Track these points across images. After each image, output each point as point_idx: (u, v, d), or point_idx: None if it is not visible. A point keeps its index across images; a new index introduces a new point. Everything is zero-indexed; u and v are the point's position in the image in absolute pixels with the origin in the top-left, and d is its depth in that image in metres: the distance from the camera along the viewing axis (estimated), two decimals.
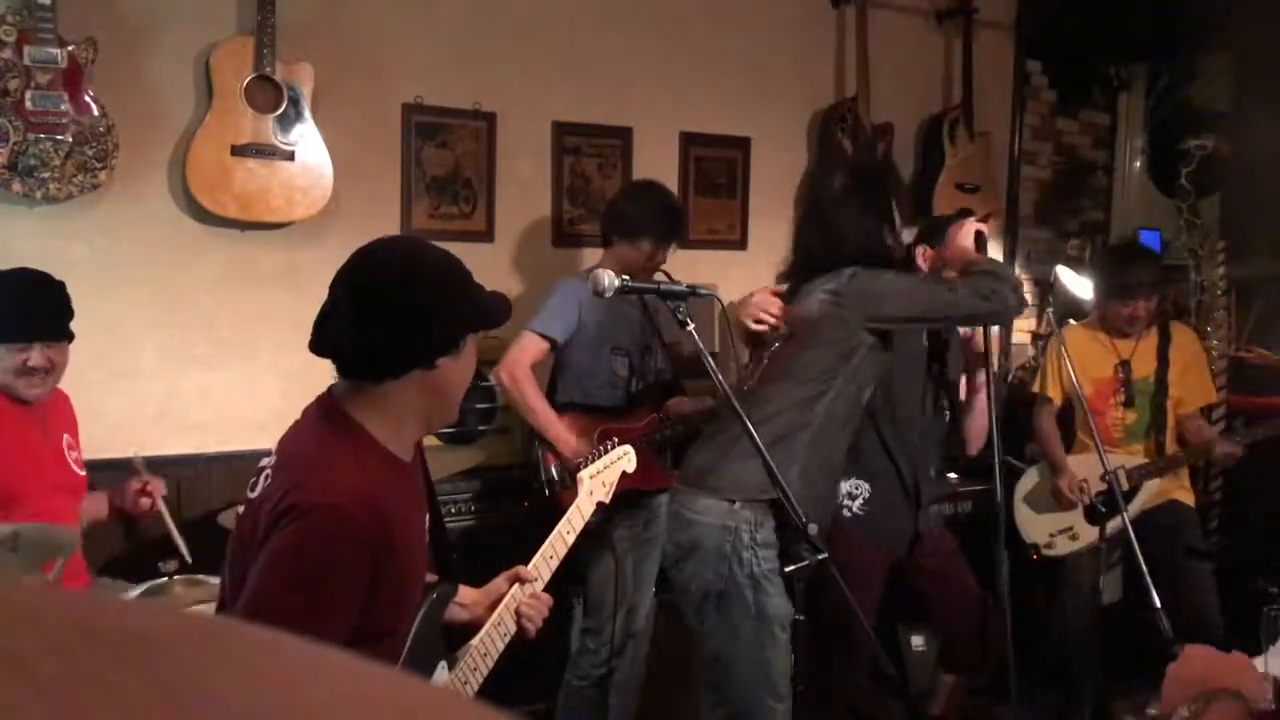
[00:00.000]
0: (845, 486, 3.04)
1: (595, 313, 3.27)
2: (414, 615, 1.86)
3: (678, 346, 3.47)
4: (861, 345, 2.63)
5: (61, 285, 2.67)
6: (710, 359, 2.23)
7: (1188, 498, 3.87)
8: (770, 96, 4.44)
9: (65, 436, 2.79)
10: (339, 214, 3.48)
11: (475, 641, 1.95)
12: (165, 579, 2.66)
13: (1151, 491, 3.72)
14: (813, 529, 2.08)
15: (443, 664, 1.92)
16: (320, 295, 1.78)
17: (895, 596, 3.22)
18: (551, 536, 2.10)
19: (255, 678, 0.27)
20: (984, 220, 2.88)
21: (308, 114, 3.36)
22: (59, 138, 3.01)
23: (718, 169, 4.38)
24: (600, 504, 2.23)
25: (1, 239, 3.04)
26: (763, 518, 2.58)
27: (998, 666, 3.24)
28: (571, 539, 2.13)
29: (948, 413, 3.16)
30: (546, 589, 2.07)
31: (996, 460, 2.89)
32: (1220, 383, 4.50)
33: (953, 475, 4.18)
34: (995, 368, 3.08)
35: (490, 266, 3.88)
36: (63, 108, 3.01)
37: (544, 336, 3.25)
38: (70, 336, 2.69)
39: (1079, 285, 3.42)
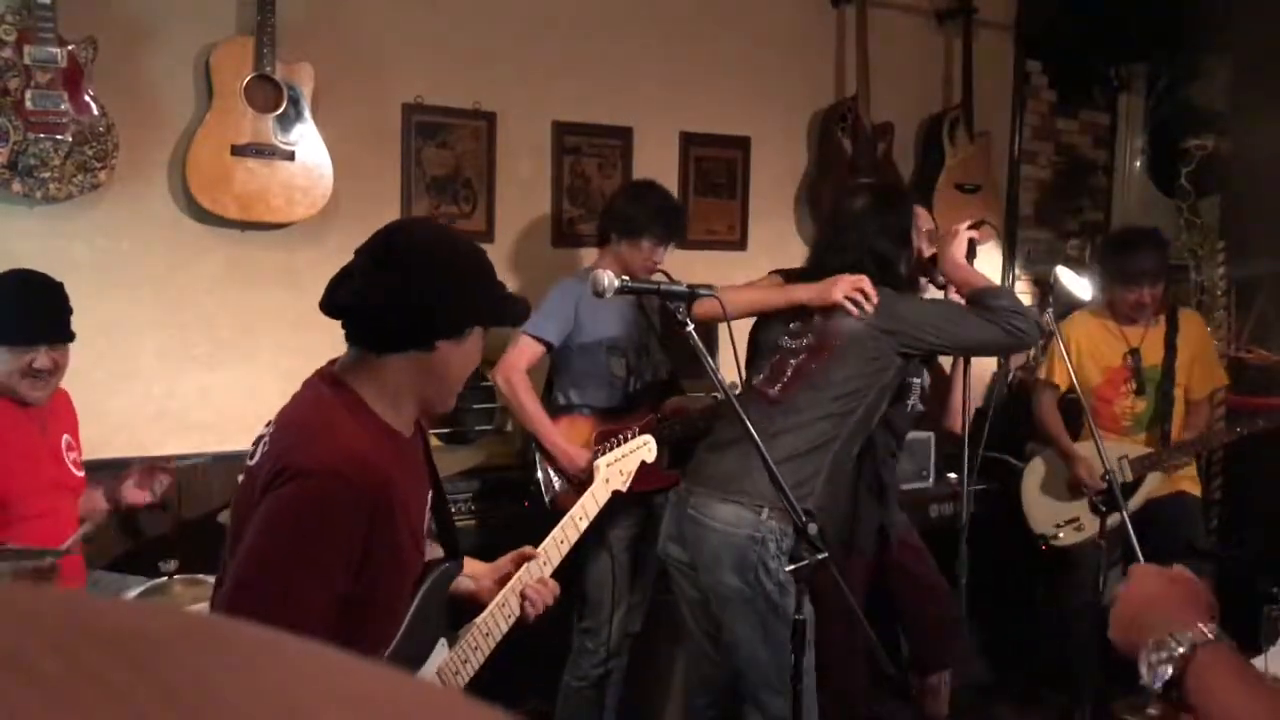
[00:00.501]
0: None
1: (591, 313, 3.27)
2: (412, 588, 1.87)
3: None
4: (892, 366, 2.69)
5: (61, 286, 2.67)
6: (710, 360, 2.23)
7: (1195, 489, 3.87)
8: (770, 96, 4.44)
9: (65, 437, 2.79)
10: (339, 214, 3.48)
11: (478, 621, 1.95)
12: (165, 579, 2.66)
13: (1157, 481, 3.72)
14: (812, 529, 2.08)
15: (443, 642, 1.92)
16: (320, 294, 1.79)
17: (891, 598, 3.23)
18: (564, 521, 2.10)
19: (256, 678, 0.27)
20: (975, 227, 2.89)
21: (308, 114, 3.36)
22: (59, 137, 3.01)
23: (718, 169, 4.38)
24: (616, 492, 2.22)
25: (1, 239, 3.04)
26: (786, 526, 2.56)
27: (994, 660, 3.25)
28: (585, 525, 2.12)
29: (912, 404, 3.15)
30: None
31: (965, 452, 2.90)
32: (1225, 381, 4.50)
33: (952, 475, 4.18)
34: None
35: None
36: (63, 107, 3.01)
37: (539, 339, 3.25)
38: (72, 337, 2.69)
39: (1079, 285, 3.42)
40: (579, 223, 4.02)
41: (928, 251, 2.93)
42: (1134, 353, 3.77)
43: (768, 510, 2.58)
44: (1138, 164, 5.58)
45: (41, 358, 2.59)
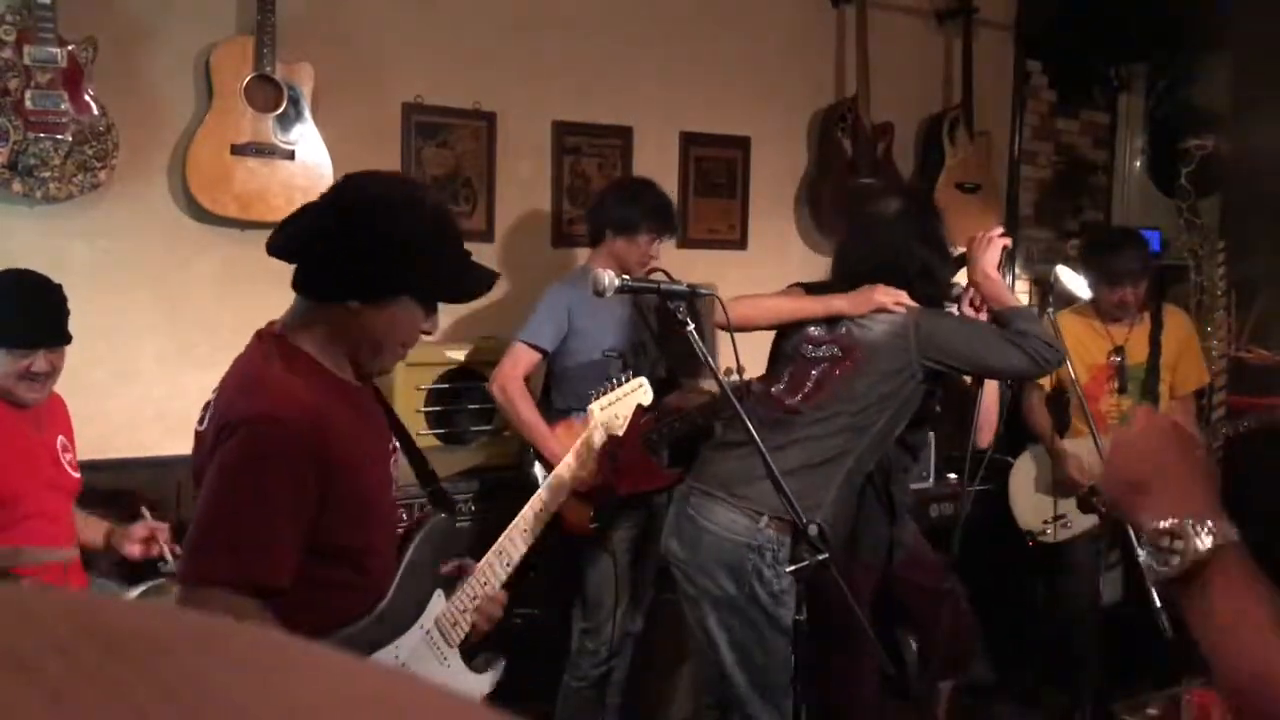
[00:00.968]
0: None
1: (585, 316, 3.27)
2: (391, 537, 1.87)
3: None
4: (914, 380, 2.65)
5: (59, 288, 2.66)
6: (710, 359, 2.23)
7: None
8: (770, 96, 4.44)
9: (60, 438, 2.78)
10: None
11: (476, 568, 1.98)
12: (165, 579, 2.66)
13: None
14: (813, 530, 2.08)
15: (439, 592, 1.93)
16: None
17: (893, 602, 3.22)
18: (559, 468, 2.12)
19: (256, 677, 0.27)
20: (1003, 235, 2.84)
21: (308, 113, 3.36)
22: (59, 137, 3.01)
23: (718, 169, 4.38)
24: (613, 437, 2.19)
25: (1, 239, 3.04)
26: (784, 537, 2.55)
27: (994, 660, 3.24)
28: (583, 473, 2.13)
29: (926, 419, 3.15)
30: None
31: (968, 454, 2.89)
32: (1220, 383, 4.49)
33: (952, 475, 4.18)
34: None
35: (490, 266, 3.88)
36: (63, 107, 3.01)
37: (535, 347, 3.25)
38: (70, 339, 2.69)
39: (1079, 285, 3.42)
40: (579, 223, 4.02)
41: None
42: (1118, 351, 3.77)
43: (766, 518, 2.56)
44: (1138, 164, 5.58)
45: (39, 361, 2.58)
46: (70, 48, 3.01)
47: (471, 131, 3.81)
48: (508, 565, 1.99)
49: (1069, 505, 3.75)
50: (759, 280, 4.28)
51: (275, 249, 1.76)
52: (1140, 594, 2.92)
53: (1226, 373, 4.56)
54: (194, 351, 3.40)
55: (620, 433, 2.20)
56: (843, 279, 2.81)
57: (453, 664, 1.95)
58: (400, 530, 1.97)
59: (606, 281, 2.20)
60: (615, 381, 2.23)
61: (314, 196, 3.37)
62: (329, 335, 1.76)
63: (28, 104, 2.97)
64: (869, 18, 4.48)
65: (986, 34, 4.92)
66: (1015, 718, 3.93)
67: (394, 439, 1.95)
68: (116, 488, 3.09)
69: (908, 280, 2.70)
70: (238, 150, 3.27)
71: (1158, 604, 2.82)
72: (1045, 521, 3.77)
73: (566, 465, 2.10)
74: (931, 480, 4.15)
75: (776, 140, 4.49)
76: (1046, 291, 3.22)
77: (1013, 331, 2.67)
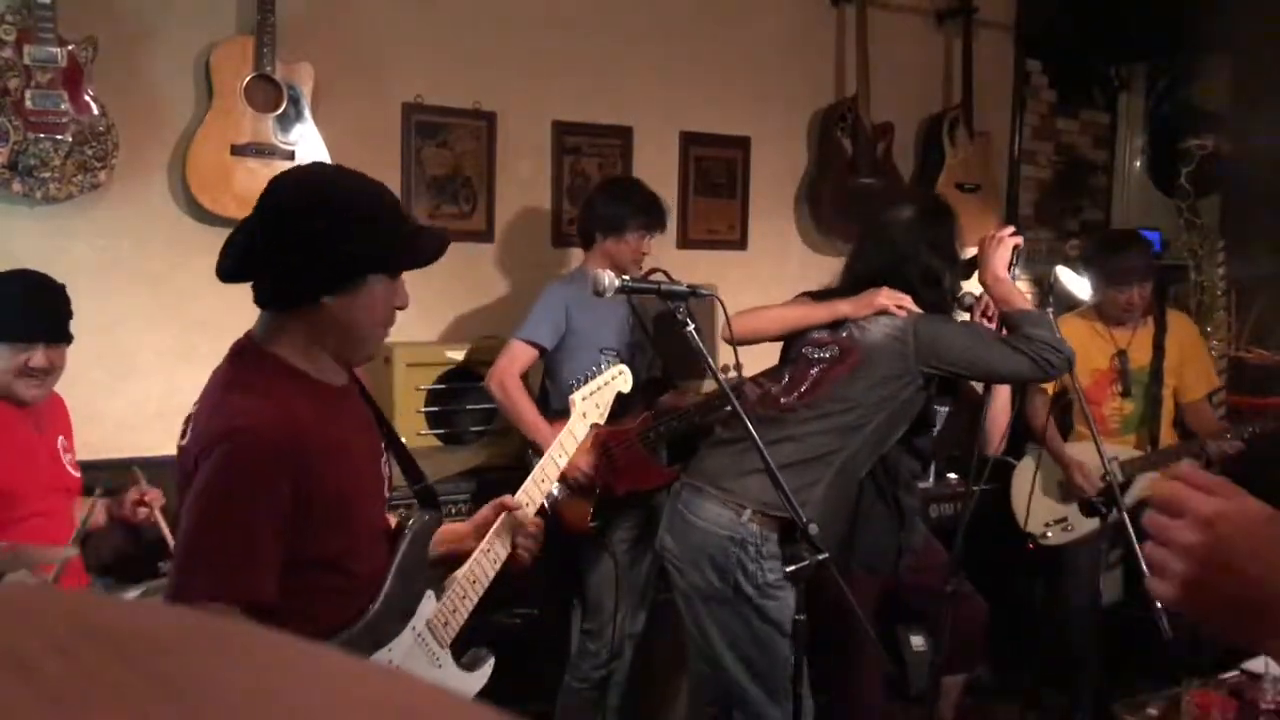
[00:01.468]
0: None
1: (582, 315, 3.28)
2: (378, 539, 1.86)
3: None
4: (913, 385, 2.65)
5: (63, 288, 2.67)
6: (710, 359, 2.23)
7: None
8: (770, 96, 4.44)
9: (60, 438, 2.79)
10: None
11: (464, 570, 1.95)
12: (165, 579, 2.66)
13: (1145, 483, 3.71)
14: (813, 529, 2.08)
15: (430, 593, 1.92)
16: None
17: (894, 601, 3.22)
18: (543, 460, 2.07)
19: (256, 677, 0.27)
20: (1015, 234, 2.82)
21: (308, 113, 3.36)
22: (59, 137, 3.01)
23: (718, 169, 4.38)
24: (595, 425, 2.19)
25: (1, 239, 3.04)
26: (769, 532, 2.56)
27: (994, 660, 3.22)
28: (564, 463, 2.10)
29: (936, 430, 3.15)
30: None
31: (975, 457, 2.89)
32: (1220, 383, 4.49)
33: (952, 475, 4.18)
34: None
35: (490, 266, 3.89)
36: (63, 107, 3.01)
37: (532, 344, 3.27)
38: (71, 339, 2.69)
39: (1079, 285, 3.41)
40: (577, 223, 4.01)
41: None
42: (1121, 354, 3.77)
43: (749, 512, 2.57)
44: (1138, 164, 5.59)
45: (38, 357, 2.59)
46: (70, 48, 3.01)
47: (471, 131, 3.81)
48: (495, 563, 1.98)
49: (1071, 509, 3.75)
50: (759, 280, 4.29)
51: (225, 275, 1.75)
52: (1140, 594, 2.92)
53: (1226, 373, 4.56)
54: (194, 351, 3.40)
55: (602, 421, 2.20)
56: (849, 283, 2.82)
57: (445, 664, 1.94)
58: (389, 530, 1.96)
59: (606, 282, 2.20)
60: (597, 369, 2.23)
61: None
62: (307, 337, 1.74)
63: (28, 104, 2.97)
64: (869, 17, 4.48)
65: (986, 34, 4.92)
66: (1015, 718, 3.92)
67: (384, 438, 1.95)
68: (116, 488, 3.08)
69: (912, 286, 2.70)
70: (238, 150, 3.27)
71: (1158, 604, 2.82)
72: (1047, 524, 3.76)
73: (550, 459, 2.09)
74: (932, 480, 4.15)
75: (776, 140, 4.49)
76: (1046, 292, 3.21)
77: (1019, 335, 2.65)
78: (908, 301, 2.67)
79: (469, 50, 3.79)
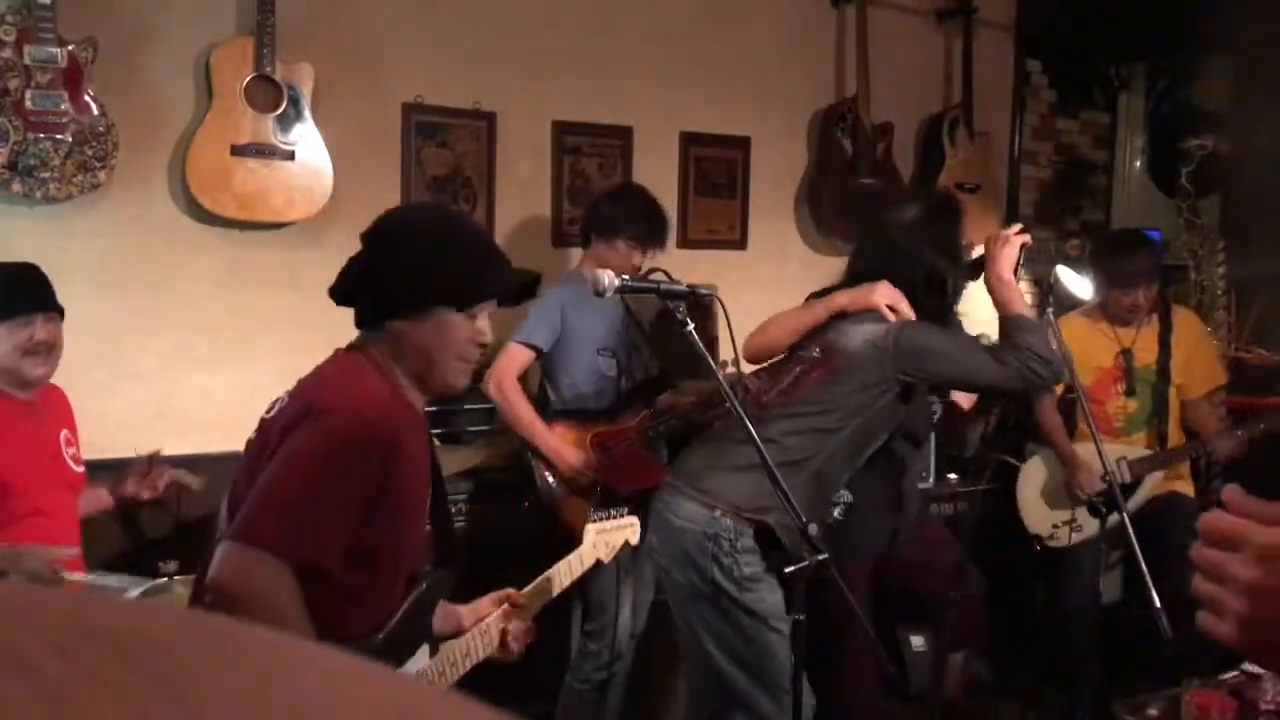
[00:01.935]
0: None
1: (578, 316, 3.28)
2: (406, 587, 1.90)
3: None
4: (889, 393, 2.60)
5: (38, 267, 2.72)
6: (711, 360, 2.23)
7: (1187, 489, 3.86)
8: (770, 96, 4.44)
9: (63, 433, 2.79)
10: (339, 214, 3.48)
11: (459, 641, 2.00)
12: (165, 579, 2.66)
13: (1155, 482, 3.71)
14: (813, 529, 2.08)
15: (426, 647, 1.95)
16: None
17: (894, 597, 3.22)
18: (549, 572, 2.14)
19: (256, 677, 0.27)
20: (1022, 233, 2.75)
21: (308, 114, 3.36)
22: (59, 137, 3.01)
23: (718, 169, 4.38)
24: (599, 561, 2.28)
25: (1, 239, 3.04)
26: (743, 528, 2.54)
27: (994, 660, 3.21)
28: (568, 582, 2.18)
29: (935, 410, 3.13)
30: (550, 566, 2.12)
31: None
32: (1224, 380, 4.49)
33: (952, 475, 4.18)
34: None
35: None
36: (63, 107, 3.01)
37: (528, 345, 3.27)
38: (63, 311, 2.72)
39: (1079, 285, 3.41)
40: (579, 223, 4.02)
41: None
42: (1126, 353, 3.76)
43: (719, 510, 2.55)
44: (1138, 164, 5.59)
45: (39, 329, 2.62)
46: (70, 48, 3.01)
47: (471, 131, 3.81)
48: (489, 645, 2.02)
49: (1080, 509, 3.75)
50: (759, 280, 4.30)
51: (334, 296, 1.87)
52: (1140, 594, 2.92)
53: (1226, 373, 4.56)
54: (194, 351, 3.40)
55: (607, 560, 2.31)
56: (850, 284, 2.77)
57: None
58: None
59: (606, 281, 2.19)
60: (607, 514, 2.32)
61: (314, 196, 3.43)
62: (389, 356, 1.83)
63: (28, 104, 2.97)
64: (869, 17, 4.48)
65: (986, 34, 4.92)
66: (1015, 718, 3.92)
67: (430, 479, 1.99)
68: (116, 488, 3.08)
69: (913, 287, 2.64)
70: (238, 151, 3.27)
71: (1157, 604, 2.82)
72: (1055, 525, 3.76)
73: (557, 577, 2.16)
74: (932, 480, 4.15)
75: (776, 140, 4.49)
76: (1046, 292, 3.20)
77: (1009, 343, 2.59)
78: (903, 304, 2.62)
79: (469, 50, 3.79)
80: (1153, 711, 2.58)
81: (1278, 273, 4.60)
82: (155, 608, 0.30)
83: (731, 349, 2.43)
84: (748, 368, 3.01)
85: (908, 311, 2.63)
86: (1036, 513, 3.81)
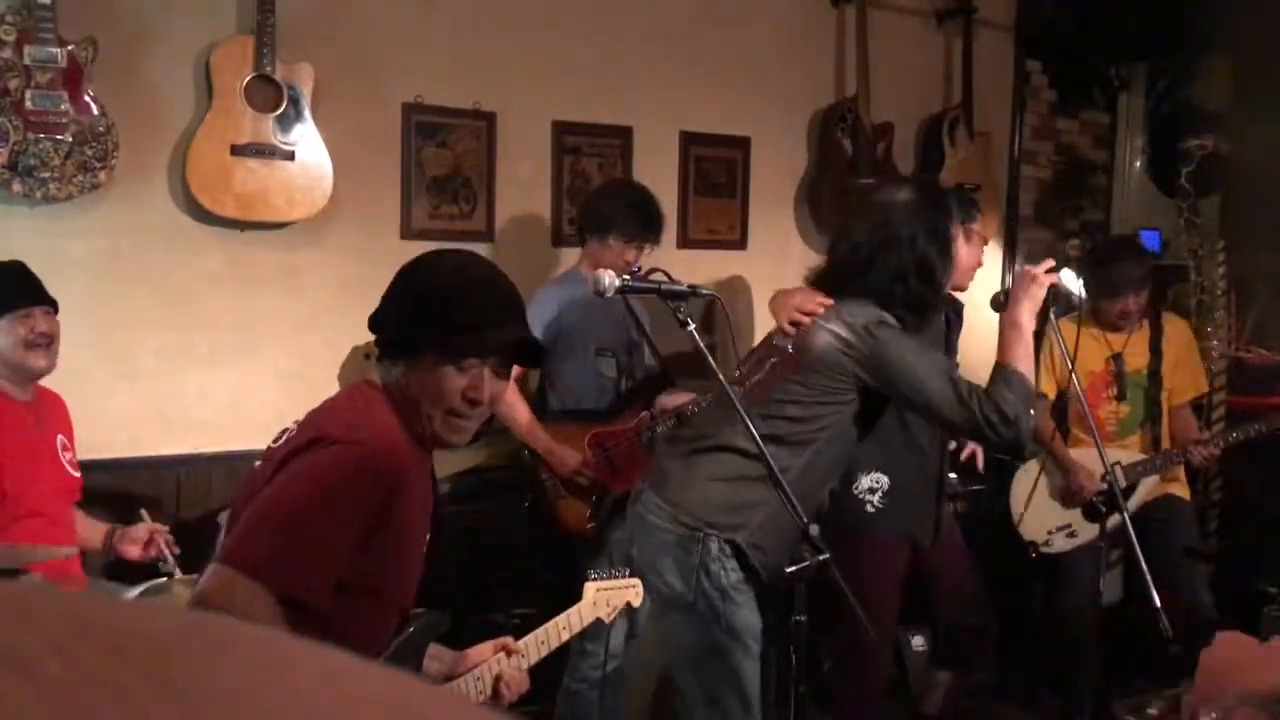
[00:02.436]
0: (865, 481, 2.99)
1: (576, 316, 3.27)
2: (393, 616, 1.87)
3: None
4: (854, 403, 2.44)
5: (21, 262, 2.74)
6: (712, 360, 2.23)
7: (1183, 492, 3.87)
8: (770, 96, 4.44)
9: (60, 437, 2.79)
10: (339, 214, 3.48)
11: (453, 683, 1.98)
12: (165, 579, 2.66)
13: (1149, 487, 3.72)
14: (814, 529, 2.07)
15: None
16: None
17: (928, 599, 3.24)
18: (548, 625, 2.12)
19: (257, 677, 0.27)
20: (1054, 271, 2.59)
21: (308, 114, 3.36)
22: (59, 137, 3.01)
23: (718, 169, 4.38)
24: (599, 620, 2.24)
25: (1, 239, 3.04)
26: (726, 537, 2.43)
27: (994, 662, 3.21)
28: (567, 636, 2.15)
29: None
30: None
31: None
32: (1220, 383, 4.50)
33: (952, 475, 4.18)
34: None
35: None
36: (63, 107, 3.01)
37: None
38: (56, 306, 2.74)
39: (1079, 286, 3.41)
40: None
41: (971, 265, 2.76)
42: (1116, 357, 3.77)
43: (701, 529, 2.42)
44: (1138, 164, 5.58)
45: (39, 320, 2.65)
46: (70, 48, 3.01)
47: (471, 131, 3.81)
48: (481, 692, 2.01)
49: (1074, 515, 3.74)
50: (759, 280, 4.29)
51: (369, 324, 1.86)
52: (1140, 594, 2.92)
53: (1226, 373, 4.56)
54: (194, 351, 3.40)
55: (607, 620, 2.26)
56: (834, 268, 2.58)
57: None
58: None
59: (607, 281, 2.19)
60: (608, 574, 2.27)
61: (314, 197, 3.43)
62: (395, 393, 1.80)
63: (28, 104, 2.97)
64: (869, 18, 4.48)
65: (986, 34, 4.92)
66: (1015, 718, 3.93)
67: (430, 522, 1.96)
68: (116, 488, 3.09)
69: (902, 275, 2.46)
70: (238, 150, 3.27)
71: (1157, 604, 2.82)
72: (1050, 532, 3.76)
73: (556, 630, 2.13)
74: None
75: (776, 140, 4.49)
76: (1046, 295, 3.19)
77: (983, 389, 2.40)
78: (811, 305, 2.46)
79: (469, 50, 3.79)
80: (1153, 711, 2.58)
81: (1278, 273, 4.60)
82: (155, 608, 0.30)
83: (733, 349, 2.43)
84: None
85: (815, 312, 2.46)
86: (1031, 520, 3.81)
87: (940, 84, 4.90)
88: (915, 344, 2.45)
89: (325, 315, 3.43)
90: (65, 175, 3.02)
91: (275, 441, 1.78)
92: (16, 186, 2.98)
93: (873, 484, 2.99)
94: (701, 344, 2.17)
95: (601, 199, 3.39)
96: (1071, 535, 3.74)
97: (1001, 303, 2.64)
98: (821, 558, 2.05)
